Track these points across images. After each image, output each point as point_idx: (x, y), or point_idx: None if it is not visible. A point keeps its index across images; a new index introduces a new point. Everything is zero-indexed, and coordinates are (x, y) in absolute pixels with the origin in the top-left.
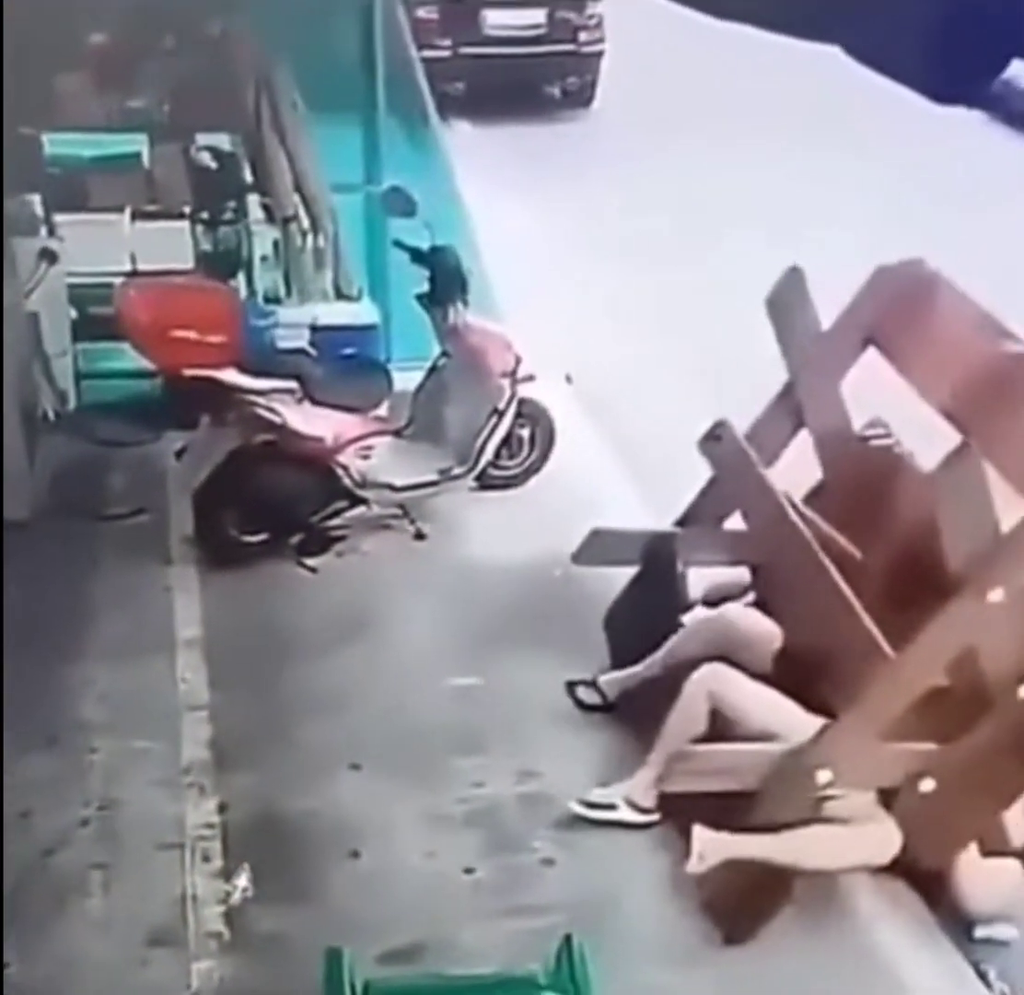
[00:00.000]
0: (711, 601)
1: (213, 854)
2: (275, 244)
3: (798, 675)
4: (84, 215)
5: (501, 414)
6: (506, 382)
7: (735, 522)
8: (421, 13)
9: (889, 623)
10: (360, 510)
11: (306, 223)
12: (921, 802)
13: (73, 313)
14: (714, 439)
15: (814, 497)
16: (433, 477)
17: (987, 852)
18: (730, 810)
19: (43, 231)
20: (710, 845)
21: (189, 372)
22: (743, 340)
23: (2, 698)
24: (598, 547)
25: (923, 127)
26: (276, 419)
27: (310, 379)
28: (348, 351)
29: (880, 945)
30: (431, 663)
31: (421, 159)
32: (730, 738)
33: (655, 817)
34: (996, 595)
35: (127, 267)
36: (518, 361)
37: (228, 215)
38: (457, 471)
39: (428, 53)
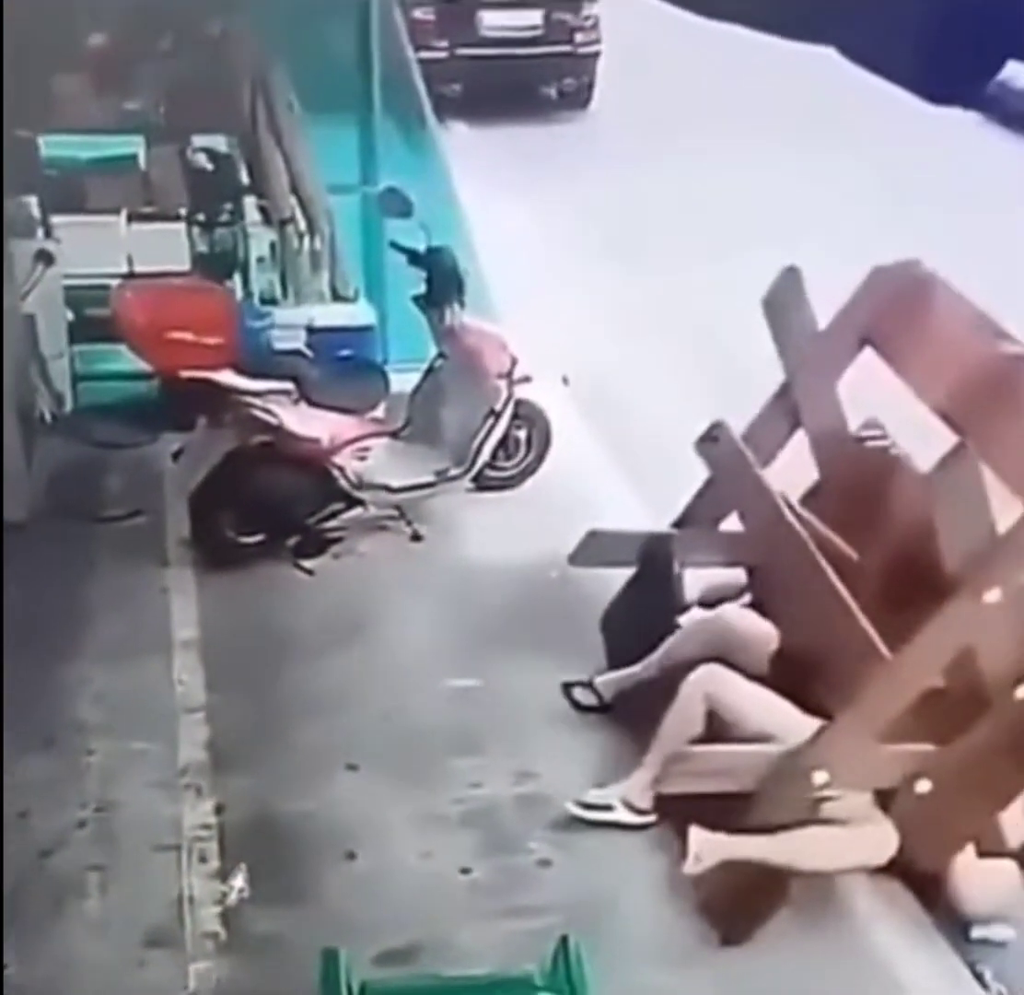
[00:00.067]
0: (707, 602)
1: (210, 855)
2: (271, 245)
3: (795, 676)
4: (81, 217)
5: (498, 415)
6: (503, 383)
7: (732, 523)
8: (417, 14)
9: (886, 624)
10: (357, 512)
11: (302, 224)
12: (918, 803)
13: (70, 315)
14: (711, 440)
15: (810, 498)
16: (430, 478)
17: (983, 853)
18: (727, 811)
19: (40, 233)
20: (707, 846)
21: (186, 374)
22: (739, 341)
23: (2, 699)
24: (595, 548)
25: (918, 128)
26: (272, 420)
27: (307, 380)
28: (345, 352)
29: (877, 946)
30: (428, 664)
31: (417, 160)
32: (727, 739)
33: (651, 818)
34: (993, 596)
35: (124, 269)
36: (514, 362)
37: (224, 217)
38: (454, 472)
39: (424, 54)
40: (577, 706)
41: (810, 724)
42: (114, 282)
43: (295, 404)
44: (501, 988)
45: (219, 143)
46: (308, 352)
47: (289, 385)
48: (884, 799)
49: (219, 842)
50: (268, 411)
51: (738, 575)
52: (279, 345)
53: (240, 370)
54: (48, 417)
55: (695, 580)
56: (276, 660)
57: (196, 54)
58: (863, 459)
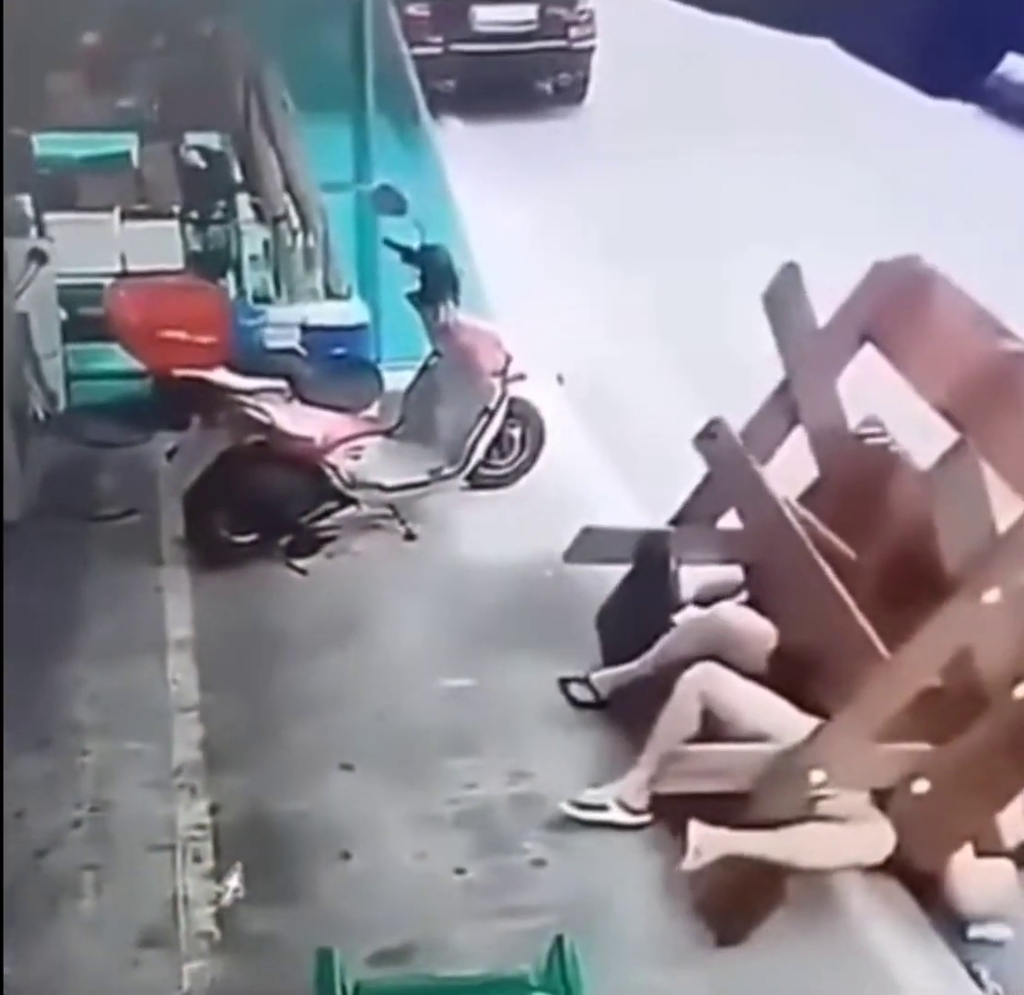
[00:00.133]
0: (704, 600)
1: (204, 855)
2: (265, 243)
3: (792, 675)
4: (74, 215)
5: (492, 413)
6: (497, 381)
7: (730, 520)
8: (411, 10)
9: (884, 623)
10: (350, 510)
11: (296, 222)
12: (915, 803)
13: (63, 313)
14: (709, 437)
15: (809, 496)
16: (423, 477)
17: (981, 852)
18: (722, 811)
19: (33, 231)
20: (706, 841)
21: (179, 372)
22: (736, 338)
23: (1, 699)
24: (590, 545)
25: (916, 121)
26: (265, 419)
27: (300, 379)
28: (338, 351)
29: (873, 945)
30: (422, 664)
31: (411, 157)
32: (722, 738)
33: (646, 818)
34: (992, 596)
35: (117, 267)
36: (509, 360)
37: (218, 215)
38: (447, 471)
39: (419, 50)
40: (573, 702)
41: (806, 723)
42: (107, 280)
43: (288, 403)
44: (496, 988)
45: (212, 141)
46: (302, 350)
47: (282, 383)
48: (881, 798)
49: (214, 842)
50: (261, 410)
51: (735, 573)
52: (272, 343)
53: (233, 368)
54: (41, 416)
55: (691, 577)
56: (270, 659)
57: (189, 52)
58: (862, 457)
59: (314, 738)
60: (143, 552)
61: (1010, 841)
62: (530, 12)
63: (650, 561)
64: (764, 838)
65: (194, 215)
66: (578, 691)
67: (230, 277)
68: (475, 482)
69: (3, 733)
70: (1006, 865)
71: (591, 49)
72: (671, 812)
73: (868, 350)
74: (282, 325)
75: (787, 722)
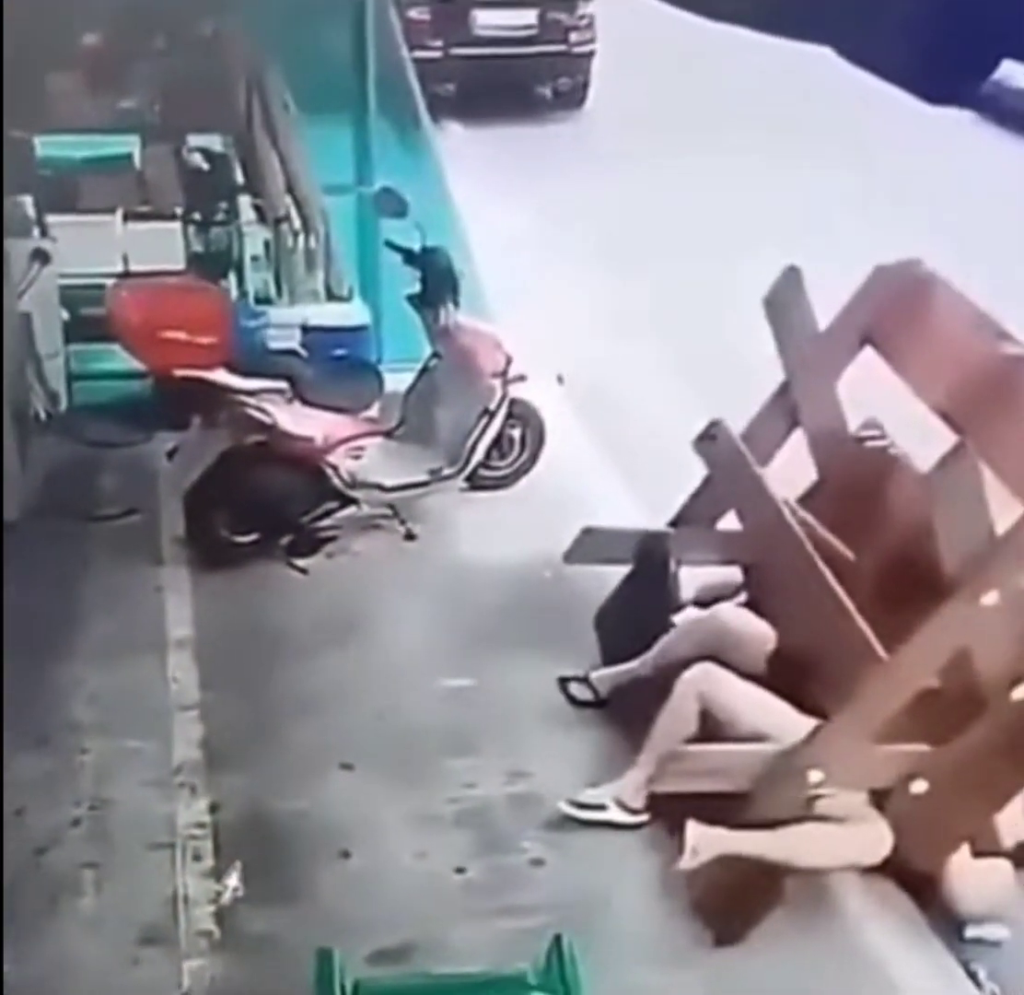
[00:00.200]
0: (703, 601)
1: (204, 854)
2: (266, 245)
3: (790, 676)
4: (76, 216)
5: (492, 414)
6: (497, 382)
7: (729, 522)
8: (412, 14)
9: (882, 624)
10: (351, 511)
11: (297, 224)
12: (913, 803)
13: (65, 314)
14: (709, 439)
15: (809, 498)
16: (424, 477)
17: (978, 853)
18: (721, 810)
19: (35, 232)
20: (704, 840)
21: (180, 373)
22: (735, 341)
23: (2, 698)
24: (590, 546)
25: (914, 127)
26: (266, 419)
27: (301, 380)
28: (339, 352)
29: (871, 945)
30: (422, 664)
31: (412, 160)
32: (721, 739)
33: (645, 818)
34: (990, 598)
35: (119, 268)
36: (509, 361)
37: (220, 216)
38: (447, 471)
39: (419, 54)
40: (573, 701)
41: (805, 723)
42: (109, 281)
43: (289, 403)
44: (495, 987)
45: (214, 142)
46: (302, 351)
47: (283, 384)
48: (879, 799)
49: (213, 840)
50: (262, 410)
51: (734, 574)
52: (273, 344)
53: (234, 369)
54: (43, 416)
55: (691, 578)
56: (270, 659)
57: (191, 53)
58: (862, 459)
59: (314, 737)
60: (144, 552)
61: (1008, 841)
62: (530, 16)
63: (650, 562)
64: (762, 838)
65: (196, 216)
66: (577, 690)
67: (232, 278)
68: (475, 483)
69: (4, 731)
70: (1004, 865)
71: (591, 53)
72: (669, 812)
73: (868, 353)
74: (283, 326)
75: (786, 722)
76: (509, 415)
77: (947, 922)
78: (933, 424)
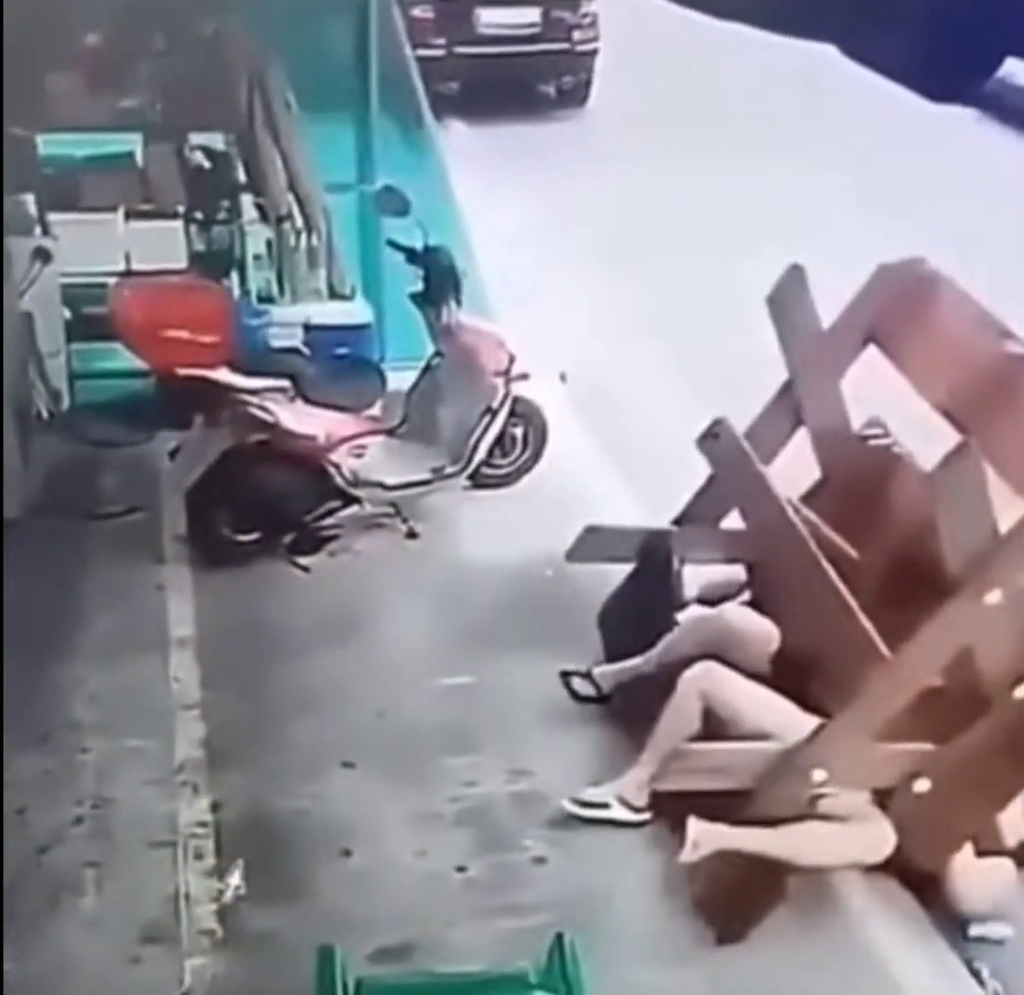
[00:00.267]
0: (707, 599)
1: (206, 852)
2: (268, 243)
3: (794, 674)
4: (78, 215)
5: (494, 413)
6: (499, 381)
7: (733, 521)
8: (416, 12)
9: (886, 623)
10: (353, 509)
11: (300, 222)
12: (916, 802)
13: (67, 313)
14: (713, 437)
15: (812, 496)
16: (426, 476)
17: (981, 851)
18: (723, 808)
19: (37, 230)
20: (705, 835)
21: (182, 372)
22: (738, 339)
23: (2, 697)
24: (593, 544)
25: (918, 124)
26: (269, 418)
27: (303, 378)
28: (341, 350)
29: (873, 943)
30: (424, 662)
31: (415, 158)
32: (724, 737)
33: (647, 816)
34: (993, 597)
35: (121, 267)
36: (511, 360)
37: (222, 214)
38: (450, 470)
39: (422, 52)
40: (575, 696)
41: (807, 722)
42: (111, 280)
43: (291, 402)
44: (496, 985)
45: (216, 141)
46: (305, 350)
47: (286, 383)
48: (882, 798)
49: (215, 839)
50: (264, 409)
51: (738, 572)
52: (276, 343)
53: (236, 368)
54: (45, 415)
55: (695, 577)
56: (272, 657)
57: (193, 52)
58: (865, 457)
59: (315, 736)
60: (145, 550)
61: (1010, 840)
62: (534, 15)
63: (653, 560)
64: (764, 835)
65: (198, 215)
66: (580, 685)
67: (234, 277)
68: (477, 481)
69: (5, 730)
70: (1006, 864)
71: (594, 52)
72: (672, 810)
73: (871, 351)
74: (285, 325)
75: (789, 721)
76: (511, 413)
77: (950, 920)
78: (936, 423)
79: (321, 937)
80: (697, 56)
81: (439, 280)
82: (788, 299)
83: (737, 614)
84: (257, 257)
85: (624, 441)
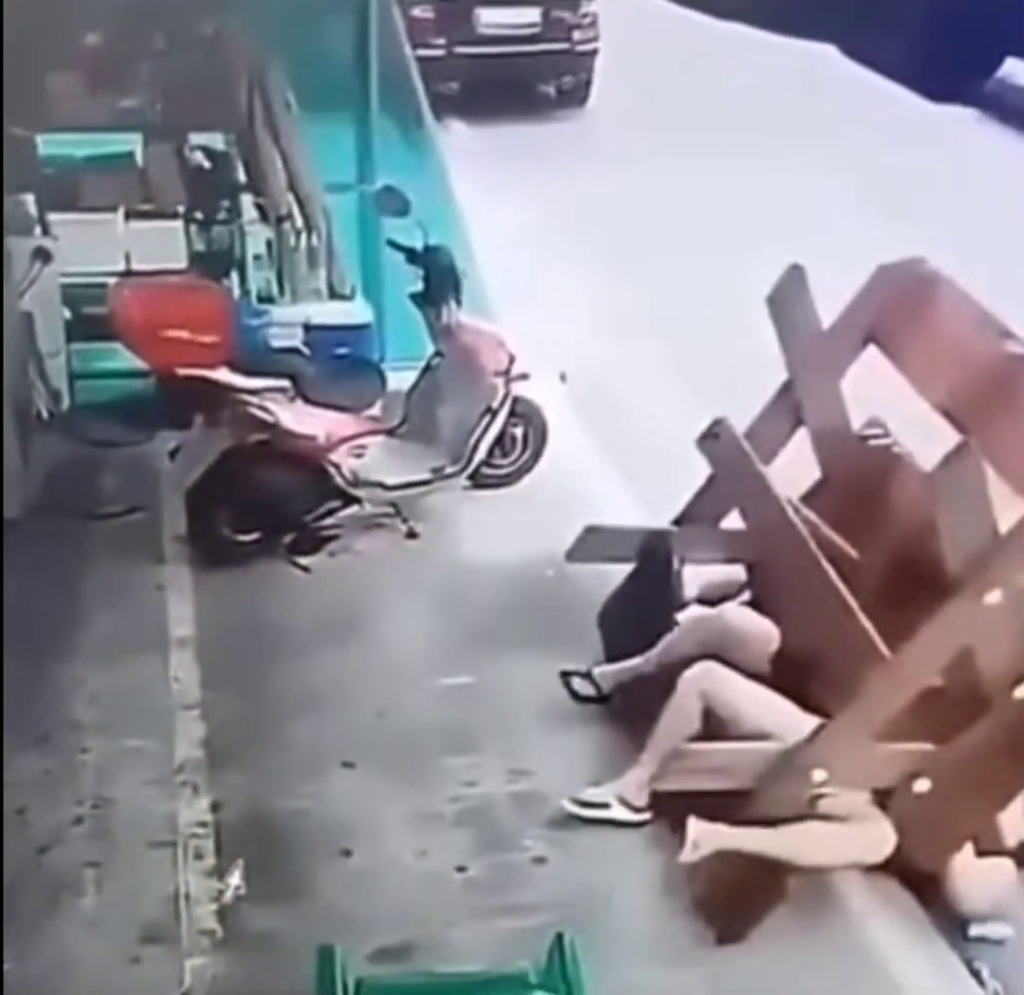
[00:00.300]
0: (707, 599)
1: (206, 852)
2: (268, 243)
3: (794, 674)
4: (78, 215)
5: (494, 413)
6: (499, 381)
7: (733, 521)
8: (416, 12)
9: (886, 623)
10: (353, 509)
11: (300, 222)
12: (916, 802)
13: (67, 313)
14: (713, 437)
15: (812, 496)
16: (426, 476)
17: (981, 851)
18: (723, 809)
19: (37, 230)
20: (705, 834)
21: (182, 372)
22: (738, 339)
23: (1, 697)
24: (593, 544)
25: (918, 124)
26: (269, 418)
27: (303, 378)
28: (341, 350)
29: (873, 943)
30: (424, 662)
31: (415, 158)
32: (724, 737)
33: (647, 816)
34: (993, 597)
35: (121, 267)
36: (511, 360)
37: (222, 214)
38: (450, 470)
39: (422, 52)
40: (575, 696)
41: (807, 722)
42: (111, 280)
43: (291, 402)
44: (496, 986)
45: (216, 141)
46: (305, 350)
47: (286, 383)
48: (882, 798)
49: (215, 839)
50: (264, 409)
51: (738, 572)
52: (276, 343)
53: (236, 368)
54: (45, 415)
55: (695, 577)
56: (272, 657)
57: (193, 52)
58: (865, 458)
59: (315, 736)
60: (145, 550)
61: (1010, 840)
62: (534, 15)
63: (653, 560)
64: (764, 835)
65: (198, 215)
66: (580, 685)
67: (234, 277)
68: (477, 481)
69: (5, 730)
70: (1006, 864)
71: (594, 52)
72: (672, 810)
73: (871, 351)
74: (285, 325)
75: (789, 721)
76: (512, 413)
77: (950, 920)
78: (936, 423)
79: (321, 937)
80: (697, 56)
81: (439, 280)
82: (788, 299)
83: (737, 614)
84: (257, 257)
85: (625, 441)
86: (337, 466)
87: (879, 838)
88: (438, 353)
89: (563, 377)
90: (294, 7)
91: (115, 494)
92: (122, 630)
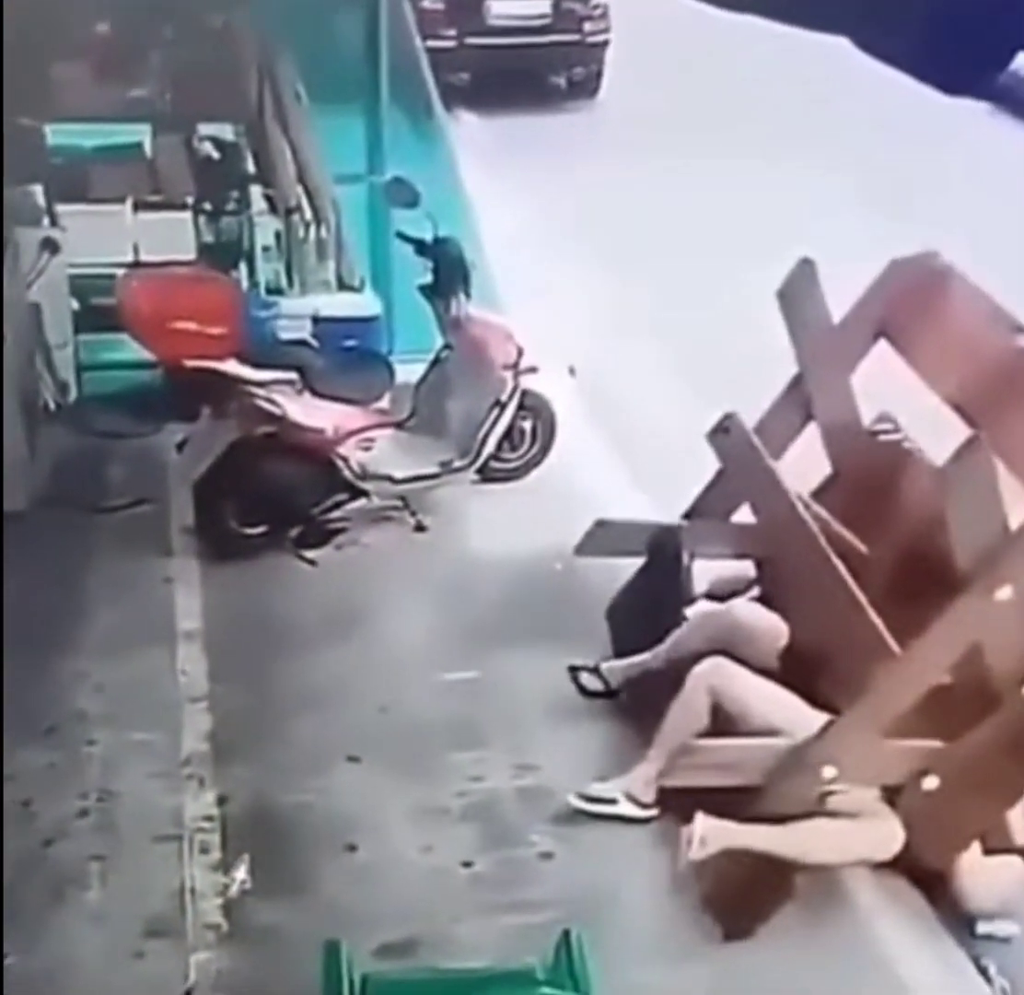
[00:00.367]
0: (716, 595)
1: (211, 846)
2: (277, 235)
3: (803, 670)
4: (86, 205)
5: (503, 406)
6: (508, 374)
7: (743, 515)
8: (426, 3)
9: (895, 619)
10: (361, 502)
11: (309, 214)
12: (925, 800)
13: (75, 304)
14: (722, 431)
15: (822, 491)
16: (434, 469)
17: (989, 849)
18: (731, 805)
19: (45, 221)
20: (712, 832)
21: (190, 363)
22: (747, 333)
23: (2, 692)
24: (602, 538)
25: (929, 118)
26: (276, 411)
27: (311, 370)
28: (350, 342)
29: (881, 941)
30: (431, 656)
31: (425, 150)
32: (732, 733)
33: (655, 812)
34: (1004, 593)
35: (129, 258)
36: (520, 353)
37: (231, 206)
38: (458, 463)
39: (432, 43)
40: (583, 691)
41: (816, 718)
42: (119, 271)
43: (299, 394)
44: (503, 981)
45: (226, 132)
46: (313, 342)
47: (294, 375)
48: (891, 795)
49: (221, 833)
50: (272, 401)
51: (747, 568)
52: (284, 335)
53: (245, 360)
54: (52, 406)
55: (704, 572)
56: (279, 651)
57: (203, 42)
58: (876, 452)
59: (321, 730)
60: (153, 542)
61: (1019, 838)
62: (544, 6)
63: (663, 555)
64: (772, 832)
65: (207, 206)
66: (588, 680)
67: (242, 268)
68: (486, 475)
69: (10, 722)
70: (1015, 862)
71: (605, 43)
72: (680, 806)
73: (882, 346)
74: (294, 317)
75: (797, 717)
76: (520, 407)
77: (958, 918)
78: (947, 417)
79: (326, 932)
80: (708, 48)
81: (448, 272)
82: (798, 293)
83: (746, 610)
84: (266, 249)
85: (634, 435)
86: (345, 459)
87: (888, 835)
88: (447, 346)
89: (572, 370)
90: None
91: (122, 486)
92: (129, 623)
